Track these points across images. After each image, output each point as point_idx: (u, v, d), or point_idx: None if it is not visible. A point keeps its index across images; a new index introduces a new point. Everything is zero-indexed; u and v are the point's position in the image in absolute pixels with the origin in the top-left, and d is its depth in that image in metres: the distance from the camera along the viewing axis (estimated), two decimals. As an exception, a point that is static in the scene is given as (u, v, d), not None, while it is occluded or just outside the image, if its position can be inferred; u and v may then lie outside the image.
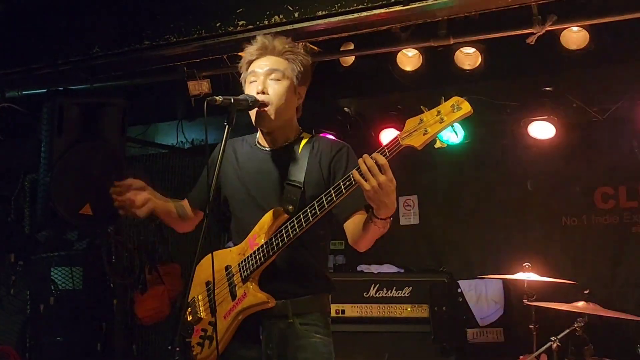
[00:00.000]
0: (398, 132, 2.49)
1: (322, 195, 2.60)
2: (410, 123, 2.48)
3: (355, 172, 2.48)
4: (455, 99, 2.43)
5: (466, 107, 2.40)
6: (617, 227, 5.70)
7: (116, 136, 4.42)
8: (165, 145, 6.36)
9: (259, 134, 2.99)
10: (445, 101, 2.44)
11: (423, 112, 2.47)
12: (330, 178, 2.82)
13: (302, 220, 2.64)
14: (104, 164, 4.33)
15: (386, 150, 2.47)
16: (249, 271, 2.76)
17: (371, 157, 2.45)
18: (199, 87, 4.46)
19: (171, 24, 3.97)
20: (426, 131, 2.43)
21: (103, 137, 4.36)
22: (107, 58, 4.25)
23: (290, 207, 2.75)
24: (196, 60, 4.24)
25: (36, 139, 4.33)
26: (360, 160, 2.47)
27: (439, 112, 2.43)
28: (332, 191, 2.58)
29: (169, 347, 2.41)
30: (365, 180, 2.44)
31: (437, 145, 2.51)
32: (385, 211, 2.52)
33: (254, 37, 2.92)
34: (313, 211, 2.62)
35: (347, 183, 2.54)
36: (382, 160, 2.44)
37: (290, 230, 2.67)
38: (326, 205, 2.59)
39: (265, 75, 2.82)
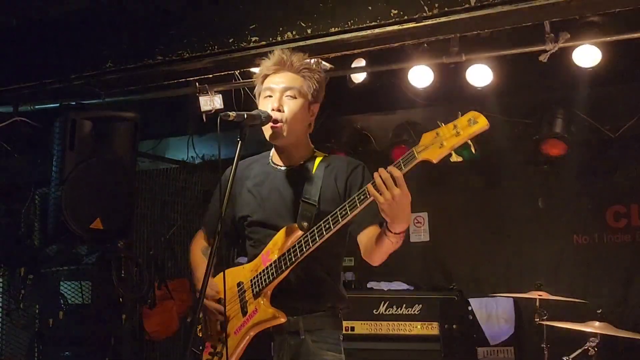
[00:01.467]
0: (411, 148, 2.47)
1: (337, 209, 2.58)
2: (427, 137, 2.46)
3: (370, 186, 2.47)
4: (471, 113, 2.42)
5: (482, 122, 2.40)
6: (629, 246, 5.63)
7: (127, 151, 4.44)
8: (176, 160, 6.36)
9: (272, 152, 2.98)
10: (462, 115, 2.43)
11: (439, 126, 2.46)
12: (346, 195, 2.80)
13: (316, 234, 2.62)
14: (114, 179, 4.34)
15: (401, 163, 2.46)
16: (260, 287, 2.74)
17: (387, 170, 2.43)
18: (211, 102, 4.47)
19: (184, 39, 3.98)
20: (442, 145, 2.42)
21: (114, 152, 4.37)
22: (120, 73, 4.28)
23: (305, 223, 2.72)
24: (208, 75, 4.25)
25: (47, 153, 4.35)
26: (375, 173, 2.46)
27: (455, 126, 2.42)
28: (346, 205, 2.56)
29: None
30: (380, 194, 2.42)
31: (453, 159, 2.49)
32: (399, 225, 2.50)
33: (266, 54, 2.93)
34: (327, 225, 2.60)
35: (362, 197, 2.52)
36: (397, 173, 2.42)
37: (304, 245, 2.65)
38: (340, 220, 2.57)
39: (281, 92, 2.81)
